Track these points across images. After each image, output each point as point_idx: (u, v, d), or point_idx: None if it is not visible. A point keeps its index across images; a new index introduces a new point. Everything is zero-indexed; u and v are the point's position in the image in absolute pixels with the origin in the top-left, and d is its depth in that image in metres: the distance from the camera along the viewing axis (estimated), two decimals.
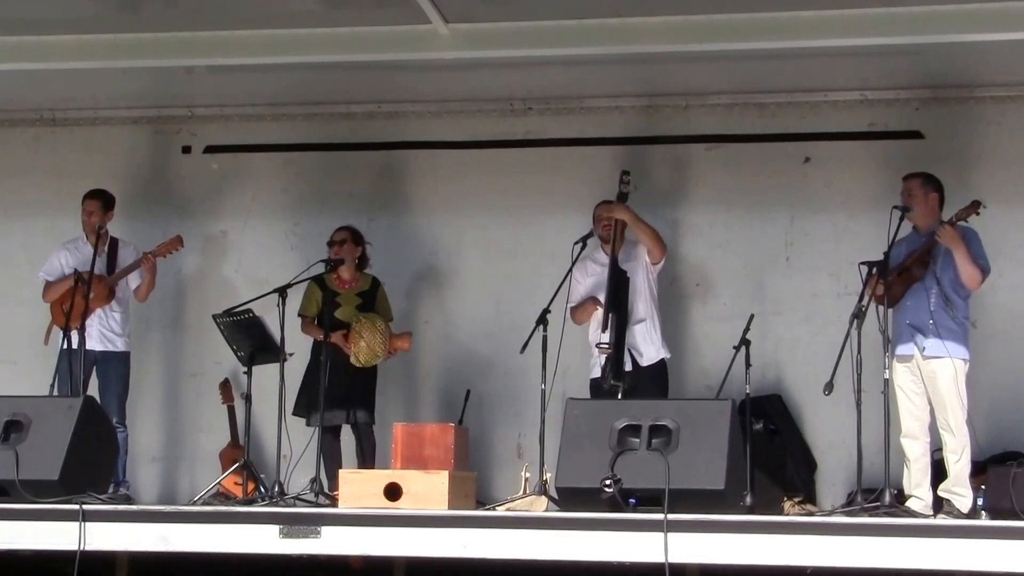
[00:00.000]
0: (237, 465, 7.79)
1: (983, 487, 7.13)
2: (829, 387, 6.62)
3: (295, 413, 8.06)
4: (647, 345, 7.91)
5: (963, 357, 7.04)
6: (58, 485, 6.36)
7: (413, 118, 9.31)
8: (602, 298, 7.79)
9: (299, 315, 8.28)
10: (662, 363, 7.97)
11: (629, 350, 7.79)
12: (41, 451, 6.44)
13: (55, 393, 7.87)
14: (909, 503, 6.88)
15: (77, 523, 6.10)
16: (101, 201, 8.36)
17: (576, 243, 7.77)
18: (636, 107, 9.11)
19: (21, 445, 6.45)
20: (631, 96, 9.06)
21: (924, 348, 7.04)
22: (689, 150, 9.05)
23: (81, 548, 6.08)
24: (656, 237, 7.95)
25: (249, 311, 7.65)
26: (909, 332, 7.09)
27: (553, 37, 7.85)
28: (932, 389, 7.03)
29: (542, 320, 7.48)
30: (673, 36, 7.77)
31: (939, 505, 6.97)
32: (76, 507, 6.15)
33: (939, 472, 7.09)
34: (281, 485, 7.29)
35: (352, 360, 8.07)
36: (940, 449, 7.09)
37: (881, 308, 6.91)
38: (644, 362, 7.85)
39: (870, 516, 6.32)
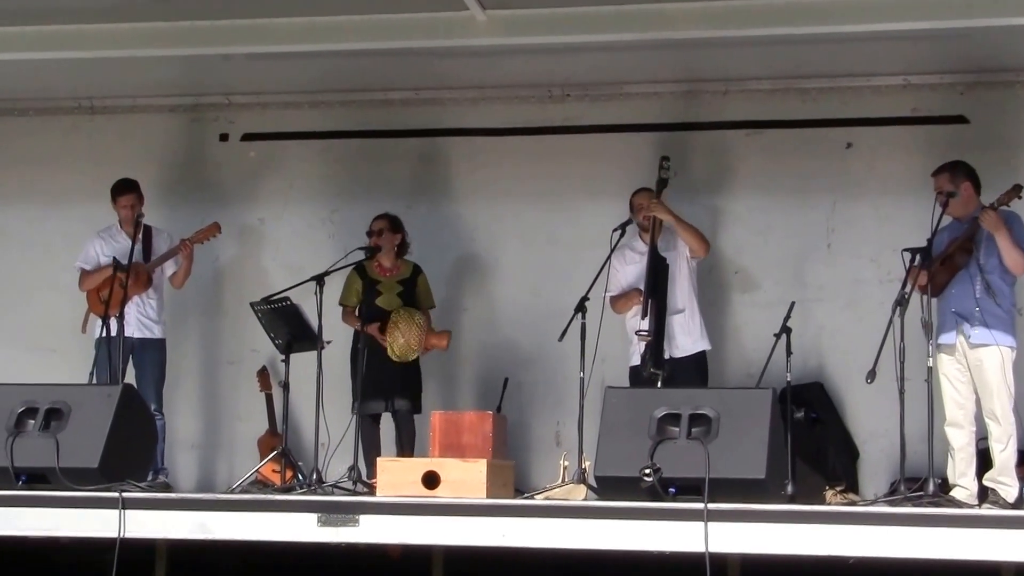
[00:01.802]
0: (275, 453, 7.79)
1: None
2: (871, 375, 6.56)
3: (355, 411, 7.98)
4: (683, 336, 7.86)
5: (1010, 344, 6.96)
6: (98, 473, 6.38)
7: (451, 105, 9.28)
8: (641, 286, 7.75)
9: (340, 304, 8.27)
10: (702, 355, 7.93)
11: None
12: (81, 439, 6.46)
13: (94, 381, 7.91)
14: (953, 493, 6.81)
15: (117, 511, 6.11)
16: (135, 194, 8.39)
17: (615, 230, 7.74)
18: (675, 93, 9.05)
19: (61, 433, 6.47)
20: (670, 82, 9.00)
21: (970, 336, 6.96)
22: (729, 136, 8.99)
23: (121, 535, 6.09)
24: (698, 236, 7.91)
25: (287, 299, 7.65)
26: (954, 320, 7.01)
27: (591, 23, 7.80)
28: (978, 377, 6.96)
29: (580, 308, 7.45)
30: (712, 21, 7.71)
31: (984, 495, 6.90)
32: (116, 495, 6.16)
33: (984, 461, 7.01)
34: (319, 473, 7.29)
35: (388, 352, 8.04)
36: (985, 438, 7.01)
37: (924, 295, 6.83)
38: (678, 353, 7.80)
39: (913, 506, 6.25)
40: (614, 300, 7.93)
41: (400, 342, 8.02)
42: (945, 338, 7.04)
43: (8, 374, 7.83)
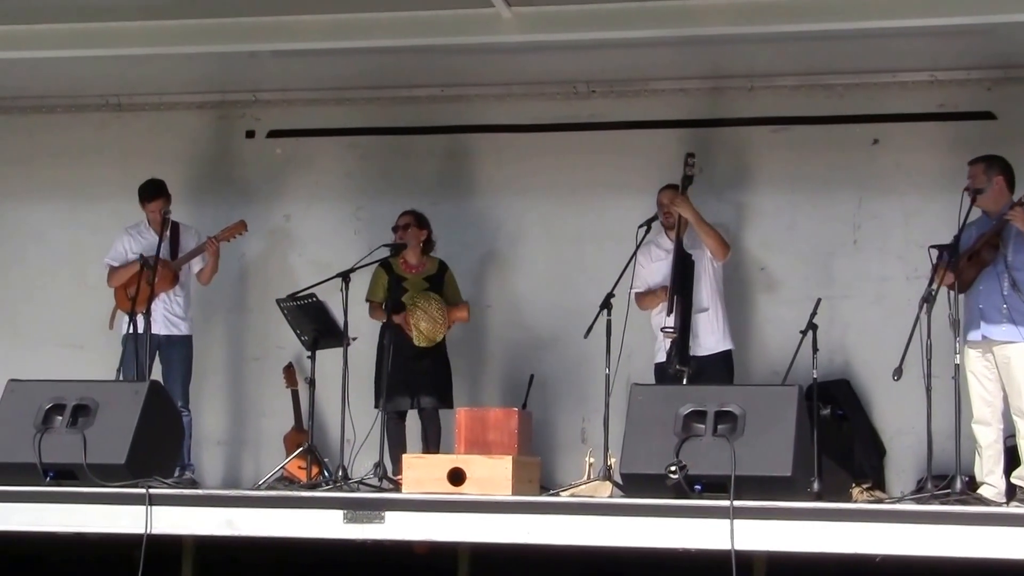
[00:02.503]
0: (301, 449, 7.81)
1: None
2: (898, 372, 6.53)
3: (377, 405, 7.99)
4: (707, 335, 7.86)
5: None
6: (125, 469, 6.39)
7: (477, 101, 9.29)
8: (667, 283, 7.74)
9: (366, 300, 8.28)
10: (728, 353, 7.93)
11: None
12: (108, 435, 6.47)
13: (121, 377, 7.94)
14: (981, 491, 6.78)
15: (144, 507, 6.13)
16: (163, 198, 8.39)
17: (640, 226, 7.74)
18: (701, 89, 9.03)
19: (89, 429, 6.48)
20: (696, 78, 8.98)
21: (997, 333, 6.92)
22: (755, 132, 8.97)
23: (148, 531, 6.11)
24: (718, 239, 7.89)
25: (313, 295, 7.67)
26: (981, 316, 6.98)
27: (616, 20, 7.79)
28: (1006, 374, 6.93)
29: (606, 304, 7.44)
30: (738, 18, 7.69)
31: (1012, 493, 6.87)
32: (143, 491, 6.17)
33: (1012, 459, 6.99)
34: (345, 469, 7.30)
35: (416, 340, 8.05)
36: (1013, 435, 6.98)
37: (952, 292, 6.80)
38: (702, 352, 7.79)
39: (940, 503, 6.22)
40: (639, 297, 7.93)
41: (424, 324, 8.03)
42: (972, 335, 7.02)
43: (36, 370, 7.85)
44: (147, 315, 7.95)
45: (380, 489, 7.18)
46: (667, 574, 6.21)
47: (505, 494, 6.32)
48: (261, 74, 9.22)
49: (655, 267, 7.96)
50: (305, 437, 7.90)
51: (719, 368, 7.87)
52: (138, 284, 8.05)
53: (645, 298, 7.93)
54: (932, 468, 6.62)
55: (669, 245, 7.89)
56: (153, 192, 8.41)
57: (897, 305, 8.18)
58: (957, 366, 6.71)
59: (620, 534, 5.84)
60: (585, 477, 7.13)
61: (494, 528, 5.96)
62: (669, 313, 7.63)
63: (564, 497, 6.69)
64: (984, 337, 6.99)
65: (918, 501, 6.39)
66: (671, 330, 7.59)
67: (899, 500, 6.89)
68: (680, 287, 7.65)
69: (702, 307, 7.86)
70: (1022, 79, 8.56)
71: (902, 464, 8.36)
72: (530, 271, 9.13)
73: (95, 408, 6.58)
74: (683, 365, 7.51)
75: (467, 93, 9.27)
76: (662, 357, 7.78)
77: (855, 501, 7.33)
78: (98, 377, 7.76)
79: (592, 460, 7.19)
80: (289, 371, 8.99)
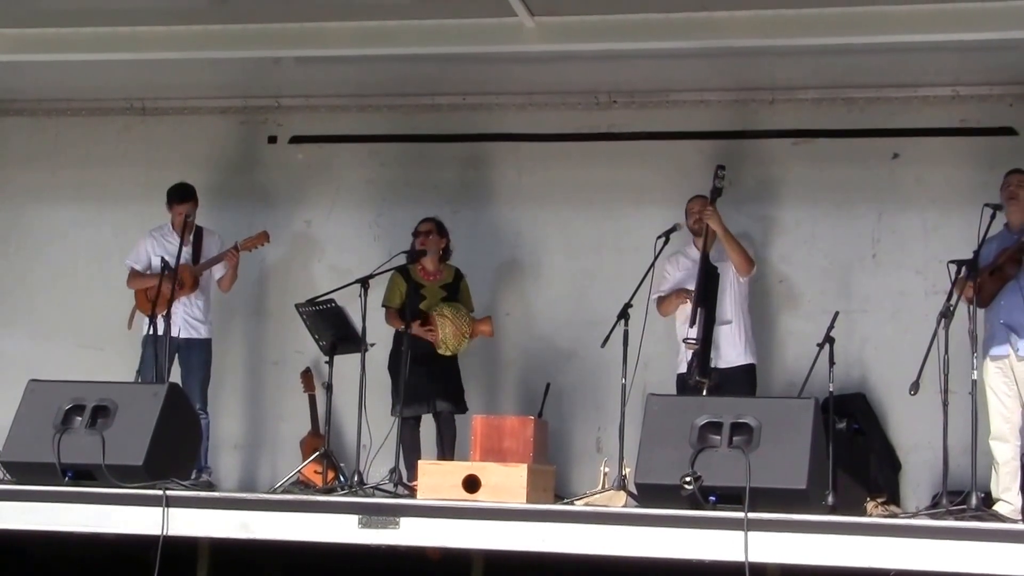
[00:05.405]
0: (317, 454, 7.83)
1: None
2: (915, 387, 6.51)
3: (394, 413, 8.01)
4: (729, 348, 7.87)
5: None
6: (142, 470, 6.43)
7: (498, 110, 9.32)
8: (687, 287, 7.77)
9: (383, 305, 8.31)
10: (751, 367, 7.94)
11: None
12: (126, 437, 6.51)
13: (140, 379, 7.98)
14: (997, 507, 6.77)
15: (160, 508, 6.16)
16: (192, 202, 8.44)
17: (659, 237, 7.74)
18: (722, 101, 9.04)
19: (107, 431, 6.52)
20: (717, 90, 9.00)
21: (1019, 348, 6.91)
22: (776, 145, 8.97)
23: (164, 533, 6.14)
24: (744, 255, 7.90)
25: (332, 301, 7.69)
26: (1003, 332, 6.98)
27: (639, 31, 7.81)
28: None
29: (623, 314, 7.45)
30: (760, 30, 7.70)
31: None
32: (159, 493, 6.20)
33: None
34: (361, 475, 7.32)
35: (441, 349, 8.08)
36: None
37: (971, 306, 6.79)
38: (723, 364, 7.79)
39: (956, 519, 6.20)
40: (660, 301, 7.94)
41: (450, 333, 8.05)
42: (995, 350, 7.01)
43: (56, 371, 7.91)
44: (167, 318, 7.99)
45: (395, 495, 7.19)
46: None
47: (520, 502, 6.34)
48: (284, 80, 9.27)
49: (680, 276, 7.98)
50: (322, 442, 7.92)
51: (742, 381, 7.87)
52: (158, 287, 8.09)
53: (663, 302, 7.94)
54: (948, 483, 6.60)
55: (696, 255, 7.90)
56: (183, 195, 8.46)
57: (915, 320, 8.19)
58: (974, 381, 6.69)
59: (634, 544, 5.84)
60: (600, 486, 7.13)
61: (508, 536, 5.98)
62: (692, 324, 7.64)
63: (579, 506, 6.69)
64: (1005, 353, 6.96)
65: (933, 516, 6.37)
66: (693, 341, 7.60)
67: (914, 515, 6.87)
68: (704, 298, 7.67)
69: (725, 319, 7.87)
70: None
71: (917, 479, 8.35)
72: (548, 280, 9.15)
73: (114, 409, 6.62)
74: (703, 376, 7.52)
75: (488, 102, 9.30)
76: (684, 368, 7.79)
77: (870, 515, 7.31)
78: (118, 378, 7.81)
79: (607, 469, 7.20)
80: (307, 376, 9.02)
